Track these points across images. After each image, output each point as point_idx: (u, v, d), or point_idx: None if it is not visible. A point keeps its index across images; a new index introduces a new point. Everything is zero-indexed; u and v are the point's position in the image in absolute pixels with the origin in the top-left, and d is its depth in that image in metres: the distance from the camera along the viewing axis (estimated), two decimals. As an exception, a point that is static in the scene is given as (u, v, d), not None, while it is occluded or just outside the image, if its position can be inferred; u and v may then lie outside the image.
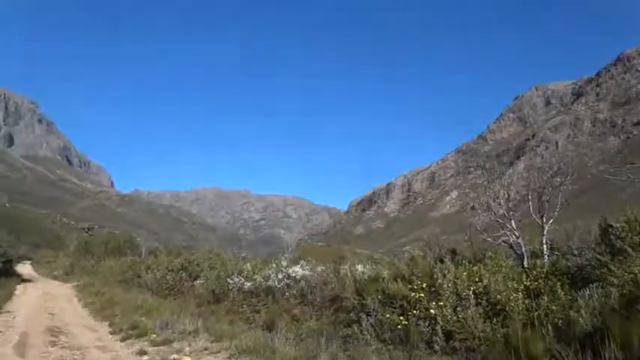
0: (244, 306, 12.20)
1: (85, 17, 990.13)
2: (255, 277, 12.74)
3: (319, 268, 12.45)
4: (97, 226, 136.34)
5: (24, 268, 41.03)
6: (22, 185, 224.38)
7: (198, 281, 16.40)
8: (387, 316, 7.80)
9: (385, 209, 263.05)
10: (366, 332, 7.83)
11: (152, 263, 20.19)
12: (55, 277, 34.90)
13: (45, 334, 11.44)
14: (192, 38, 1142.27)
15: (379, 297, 8.34)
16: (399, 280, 8.60)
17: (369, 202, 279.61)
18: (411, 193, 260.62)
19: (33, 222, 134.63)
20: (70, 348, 9.98)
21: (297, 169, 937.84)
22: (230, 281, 13.22)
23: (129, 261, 24.53)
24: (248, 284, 12.69)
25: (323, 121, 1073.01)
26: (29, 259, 57.20)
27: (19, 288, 23.42)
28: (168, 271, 17.44)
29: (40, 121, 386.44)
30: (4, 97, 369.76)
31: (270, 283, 12.29)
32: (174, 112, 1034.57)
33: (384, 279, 8.99)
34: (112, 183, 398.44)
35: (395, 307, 7.95)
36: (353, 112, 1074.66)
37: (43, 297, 20.29)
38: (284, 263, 12.87)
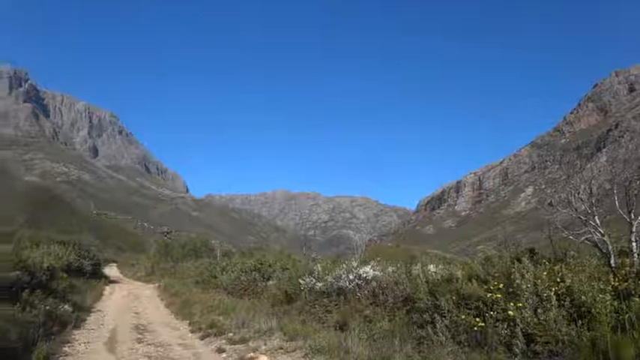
0: (316, 306, 12.32)
1: (157, 33, 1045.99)
2: (326, 277, 12.83)
3: (390, 269, 12.31)
4: (174, 230, 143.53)
5: (111, 271, 43.98)
6: (106, 193, 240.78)
7: (270, 282, 16.79)
8: (463, 317, 7.58)
9: (456, 207, 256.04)
10: (440, 334, 7.66)
11: (226, 265, 20.93)
12: (138, 279, 37.12)
13: (132, 331, 12.19)
14: (251, 45, 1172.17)
15: (453, 298, 8.13)
16: (473, 280, 8.33)
17: (438, 200, 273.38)
18: (482, 191, 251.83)
19: (117, 227, 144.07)
20: (155, 345, 10.57)
21: (364, 171, 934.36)
22: (302, 282, 13.41)
23: (205, 262, 25.59)
24: (319, 285, 12.80)
25: (390, 121, 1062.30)
26: (115, 261, 61.22)
27: (107, 289, 25.14)
28: (242, 272, 18.00)
29: (120, 132, 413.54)
30: (88, 112, 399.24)
31: (341, 283, 12.32)
32: (244, 119, 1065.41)
33: (457, 279, 8.76)
34: (186, 189, 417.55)
35: (470, 309, 7.72)
36: (419, 110, 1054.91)
37: (129, 297, 21.63)
38: (354, 264, 12.85)
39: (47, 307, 10.99)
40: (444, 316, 7.91)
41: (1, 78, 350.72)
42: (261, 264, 18.51)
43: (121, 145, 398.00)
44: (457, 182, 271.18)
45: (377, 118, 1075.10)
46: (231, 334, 11.18)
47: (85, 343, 10.36)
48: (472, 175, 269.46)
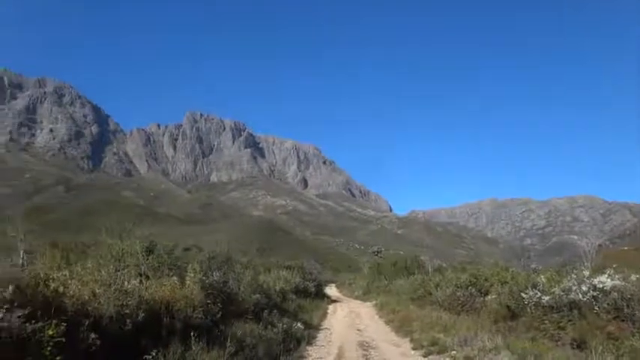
0: (546, 322, 11.17)
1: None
2: (553, 290, 11.57)
3: (633, 277, 10.51)
4: (383, 249, 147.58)
5: (331, 290, 47.20)
6: (319, 219, 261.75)
7: (489, 296, 15.89)
8: None
9: None
10: None
11: (440, 280, 20.58)
12: (356, 297, 38.98)
13: (357, 348, 12.79)
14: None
15: None
16: None
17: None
18: None
19: (331, 249, 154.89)
20: (380, 361, 10.90)
21: (580, 165, 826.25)
22: (524, 295, 12.34)
23: (418, 279, 25.59)
24: (546, 298, 11.60)
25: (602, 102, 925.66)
26: (333, 282, 65.60)
27: (330, 308, 26.95)
28: (457, 287, 17.46)
29: (324, 163, 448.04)
30: (295, 149, 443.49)
31: (572, 296, 10.97)
32: (438, 135, 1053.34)
33: None
34: (390, 208, 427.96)
35: None
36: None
37: (350, 315, 22.81)
38: (585, 273, 11.33)
39: (284, 326, 12.28)
40: None
41: (224, 131, 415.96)
42: (476, 278, 17.68)
43: (326, 174, 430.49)
44: None
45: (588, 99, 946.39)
46: (454, 352, 10.87)
47: (318, 358, 11.25)
48: None
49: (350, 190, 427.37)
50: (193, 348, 7.26)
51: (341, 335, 15.36)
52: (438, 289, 19.03)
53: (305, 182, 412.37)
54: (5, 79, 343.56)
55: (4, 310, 4.51)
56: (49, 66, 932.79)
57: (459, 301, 16.66)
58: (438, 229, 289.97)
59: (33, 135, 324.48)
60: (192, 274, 9.56)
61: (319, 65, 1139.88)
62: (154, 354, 6.42)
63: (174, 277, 9.25)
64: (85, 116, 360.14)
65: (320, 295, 31.65)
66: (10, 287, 4.69)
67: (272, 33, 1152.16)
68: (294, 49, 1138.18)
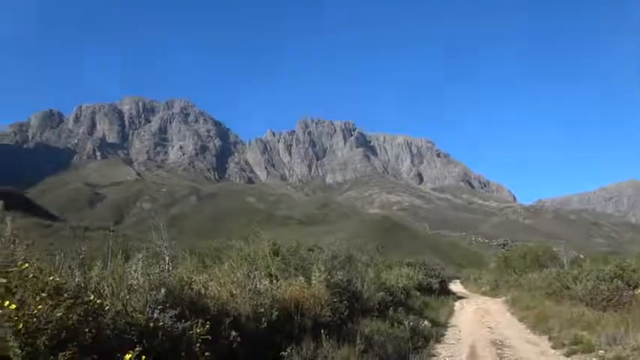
0: None
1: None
2: None
3: None
4: (509, 241, 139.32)
5: (455, 287, 45.68)
6: (437, 214, 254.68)
7: (639, 290, 14.21)
8: None
9: None
10: None
11: (578, 273, 18.85)
12: (483, 293, 37.26)
13: (490, 346, 12.20)
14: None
15: None
16: None
17: None
18: None
19: (453, 244, 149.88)
20: (517, 361, 10.29)
21: None
22: (686, 287, 10.83)
23: (553, 272, 23.69)
24: None
25: None
26: (457, 278, 63.42)
27: (456, 304, 26.08)
28: (600, 280, 15.83)
29: (438, 155, 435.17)
30: (407, 143, 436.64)
31: None
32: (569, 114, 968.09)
33: None
34: (514, 197, 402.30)
35: None
36: None
37: (478, 312, 21.86)
38: None
39: (411, 323, 12.12)
40: None
41: (335, 133, 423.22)
42: (623, 270, 15.89)
43: (441, 167, 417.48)
44: None
45: None
46: (602, 352, 9.90)
47: (448, 357, 10.93)
48: None
49: (468, 181, 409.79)
50: (324, 345, 7.46)
51: (471, 333, 14.77)
52: (577, 282, 17.45)
53: (420, 177, 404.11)
54: (140, 104, 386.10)
55: (159, 311, 5.03)
56: (174, 88, 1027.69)
57: (603, 296, 15.11)
58: (571, 217, 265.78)
59: (166, 152, 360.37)
60: (317, 274, 9.85)
61: (428, 56, 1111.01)
62: (289, 350, 6.72)
63: (301, 277, 9.60)
64: (208, 131, 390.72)
65: (445, 292, 30.77)
66: (162, 290, 5.23)
67: (374, 29, 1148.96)
68: (396, 41, 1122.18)
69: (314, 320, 8.44)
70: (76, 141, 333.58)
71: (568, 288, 18.12)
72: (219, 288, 7.38)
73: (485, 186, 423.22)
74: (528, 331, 14.98)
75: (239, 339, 6.04)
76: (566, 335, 12.11)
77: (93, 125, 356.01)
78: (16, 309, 3.32)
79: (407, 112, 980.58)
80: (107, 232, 49.75)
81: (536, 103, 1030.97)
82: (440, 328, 15.39)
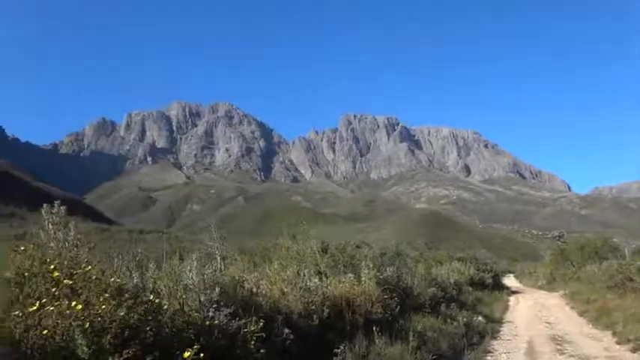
0: None
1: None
2: None
3: None
4: (564, 233, 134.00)
5: (509, 281, 44.34)
6: (486, 206, 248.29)
7: None
8: None
9: None
10: None
11: (644, 264, 17.88)
12: (539, 287, 35.98)
13: (548, 342, 11.77)
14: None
15: None
16: None
17: None
18: None
19: (504, 238, 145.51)
20: (579, 357, 9.88)
21: None
22: None
23: (614, 264, 22.57)
24: None
25: None
26: (511, 272, 61.50)
27: (511, 299, 25.31)
28: (666, 271, 14.97)
29: (486, 146, 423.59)
30: (453, 135, 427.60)
31: None
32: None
33: None
34: (568, 187, 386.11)
35: None
36: None
37: (535, 307, 21.13)
38: None
39: (464, 319, 11.88)
40: None
41: (378, 128, 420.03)
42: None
43: (490, 158, 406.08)
44: None
45: None
46: (672, 347, 9.34)
47: (505, 353, 10.62)
48: None
49: (518, 172, 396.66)
50: (377, 342, 7.43)
51: (528, 329, 14.30)
52: (643, 274, 16.56)
53: (467, 169, 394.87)
54: (186, 109, 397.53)
55: (213, 309, 5.16)
56: (217, 91, 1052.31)
57: (672, 288, 14.26)
58: (632, 205, 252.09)
59: (212, 155, 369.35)
60: (366, 271, 9.82)
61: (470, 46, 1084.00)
62: (342, 347, 6.72)
63: (350, 275, 9.59)
64: (252, 133, 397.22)
65: (498, 287, 29.94)
66: (217, 289, 5.36)
67: (407, 22, 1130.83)
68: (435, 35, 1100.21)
69: (365, 317, 8.42)
70: (128, 147, 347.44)
71: (631, 280, 17.23)
72: (270, 286, 7.48)
73: (536, 176, 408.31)
74: (590, 325, 14.36)
75: (292, 336, 6.10)
76: (632, 330, 11.51)
77: (143, 131, 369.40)
78: (82, 309, 3.49)
79: (451, 103, 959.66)
80: (160, 234, 51.52)
81: (589, 83, 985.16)
82: (495, 323, 14.98)
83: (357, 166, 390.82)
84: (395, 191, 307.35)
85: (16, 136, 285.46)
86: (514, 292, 30.72)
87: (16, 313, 3.48)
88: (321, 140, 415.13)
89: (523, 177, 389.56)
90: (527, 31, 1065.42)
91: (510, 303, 23.26)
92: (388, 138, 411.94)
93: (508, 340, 12.44)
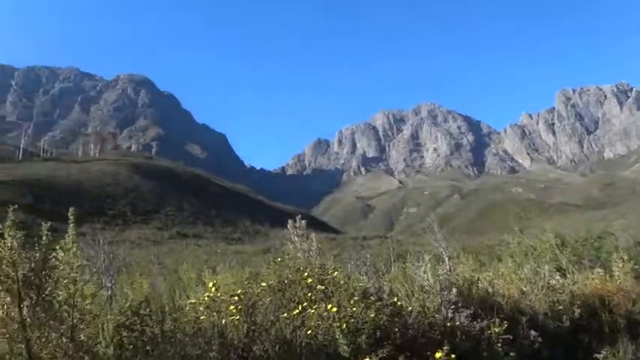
0: None
1: None
2: None
3: None
4: None
5: None
6: None
7: None
8: None
9: None
10: None
11: None
12: None
13: None
14: None
15: None
16: None
17: None
18: None
19: None
20: None
21: None
22: None
23: None
24: None
25: None
26: None
27: None
28: None
29: None
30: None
31: None
32: None
33: None
34: None
35: None
36: None
37: None
38: None
39: None
40: None
41: (606, 99, 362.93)
42: None
43: None
44: None
45: None
46: None
47: None
48: None
49: None
50: (647, 348, 6.34)
51: None
52: None
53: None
54: (390, 117, 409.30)
55: (452, 311, 5.13)
56: (418, 94, 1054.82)
57: None
58: None
59: (422, 157, 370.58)
60: (620, 264, 8.52)
61: None
62: (604, 353, 5.95)
63: (598, 269, 8.48)
64: (458, 128, 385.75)
65: None
66: (454, 290, 5.32)
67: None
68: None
69: (626, 318, 7.28)
70: (342, 161, 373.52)
71: None
72: (506, 285, 7.09)
73: None
74: None
75: (540, 338, 5.68)
76: None
77: (353, 144, 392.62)
78: (337, 311, 3.87)
79: None
80: (382, 239, 53.78)
81: None
82: None
83: (585, 146, 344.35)
84: (638, 169, 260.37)
85: (252, 165, 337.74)
86: None
87: (284, 315, 4.04)
88: (537, 123, 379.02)
89: None
90: None
91: None
92: (621, 108, 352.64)
93: None
